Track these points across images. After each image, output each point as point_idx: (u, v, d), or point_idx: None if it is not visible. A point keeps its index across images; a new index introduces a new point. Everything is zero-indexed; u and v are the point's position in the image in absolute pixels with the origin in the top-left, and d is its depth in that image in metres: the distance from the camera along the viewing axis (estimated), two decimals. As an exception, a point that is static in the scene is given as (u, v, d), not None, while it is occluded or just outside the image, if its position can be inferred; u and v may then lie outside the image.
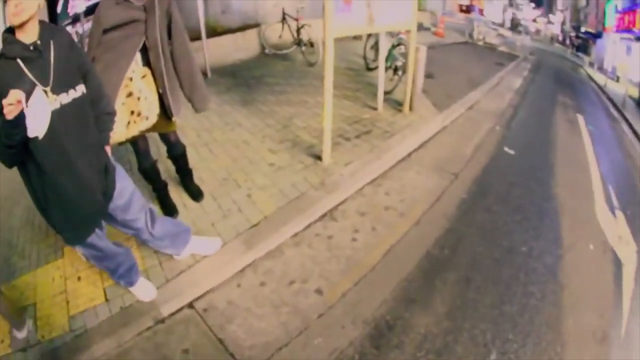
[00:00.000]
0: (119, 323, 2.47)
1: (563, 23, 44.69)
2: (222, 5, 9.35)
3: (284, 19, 8.41)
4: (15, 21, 1.80)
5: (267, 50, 8.53)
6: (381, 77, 5.24)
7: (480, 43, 17.36)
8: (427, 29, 16.07)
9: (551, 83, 13.18)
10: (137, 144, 3.04)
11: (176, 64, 2.88)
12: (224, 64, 7.93)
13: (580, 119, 8.68)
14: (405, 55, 5.50)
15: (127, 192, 2.27)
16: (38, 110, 1.81)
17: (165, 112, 2.86)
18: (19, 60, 1.82)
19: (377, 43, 5.96)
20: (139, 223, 2.40)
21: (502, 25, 34.63)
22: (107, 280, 2.67)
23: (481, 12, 29.81)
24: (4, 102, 1.59)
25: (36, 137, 1.81)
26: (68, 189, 1.97)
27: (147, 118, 2.75)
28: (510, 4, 51.68)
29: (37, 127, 1.81)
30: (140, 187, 2.86)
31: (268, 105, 5.36)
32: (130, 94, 2.72)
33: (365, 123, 4.97)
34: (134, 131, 2.75)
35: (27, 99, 1.74)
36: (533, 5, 53.92)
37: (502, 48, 17.29)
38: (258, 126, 4.73)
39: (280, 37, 8.59)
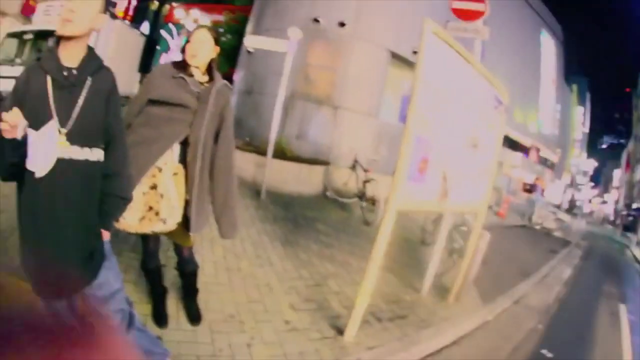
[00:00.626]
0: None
1: (617, 201, 45.10)
2: (300, 130, 9.79)
3: (354, 166, 8.41)
4: (61, 29, 1.67)
5: (328, 193, 8.48)
6: (435, 257, 4.83)
7: (538, 227, 17.20)
8: (489, 207, 15.92)
9: (599, 272, 12.70)
10: (147, 241, 2.75)
11: (214, 174, 2.61)
12: (281, 190, 7.92)
13: (623, 308, 8.12)
14: (465, 236, 5.16)
15: (108, 289, 1.94)
16: (45, 147, 1.63)
17: (186, 223, 2.52)
18: (48, 78, 1.66)
19: (440, 217, 5.69)
20: None
21: (559, 206, 34.88)
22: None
23: (543, 192, 30.14)
24: (4, 116, 1.43)
25: (33, 172, 1.63)
26: (40, 243, 1.71)
27: (164, 222, 2.44)
28: (571, 185, 52.53)
29: (37, 163, 1.63)
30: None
31: (309, 254, 5.05)
32: (154, 187, 2.45)
33: (404, 306, 4.48)
34: (146, 229, 2.46)
35: (40, 126, 1.60)
36: (592, 184, 54.56)
37: (557, 233, 17.10)
38: (289, 273, 4.37)
39: (345, 184, 8.50)
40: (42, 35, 9.80)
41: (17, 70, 9.09)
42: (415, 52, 5.85)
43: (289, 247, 5.06)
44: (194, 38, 2.52)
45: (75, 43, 1.70)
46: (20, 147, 1.56)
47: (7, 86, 8.62)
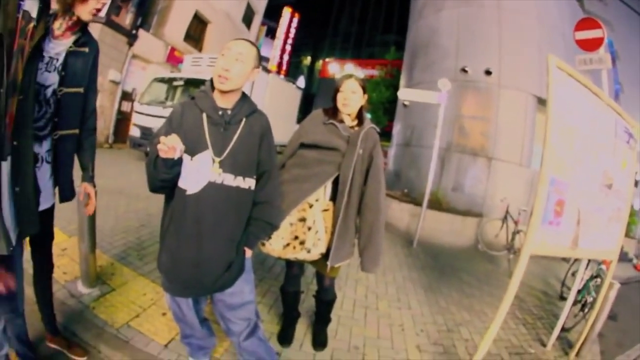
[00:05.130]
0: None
1: None
2: (456, 182, 9.82)
3: (505, 217, 8.13)
4: (219, 85, 1.87)
5: (479, 246, 8.26)
6: (566, 310, 4.38)
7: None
8: (630, 260, 13.37)
9: None
10: (291, 265, 2.94)
11: (362, 211, 2.66)
12: (432, 240, 8.01)
13: None
14: (598, 289, 4.74)
15: (240, 299, 2.14)
16: (199, 171, 1.85)
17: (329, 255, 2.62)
18: (204, 115, 1.90)
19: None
20: (235, 327, 2.21)
21: None
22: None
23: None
24: (162, 139, 1.62)
25: (184, 189, 1.87)
26: (181, 249, 1.92)
27: (308, 251, 2.59)
28: None
29: (190, 182, 1.86)
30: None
31: (448, 301, 5.08)
32: (302, 219, 2.60)
33: (525, 358, 4.24)
34: (289, 255, 2.62)
35: (195, 153, 1.83)
36: None
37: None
38: (425, 318, 4.47)
39: (496, 236, 8.23)
40: (191, 82, 11.07)
41: (168, 112, 10.46)
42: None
43: (431, 293, 5.16)
44: (345, 87, 2.64)
45: (230, 93, 1.92)
46: (174, 166, 1.76)
47: (158, 124, 9.90)
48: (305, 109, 16.60)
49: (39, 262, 2.44)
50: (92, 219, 3.25)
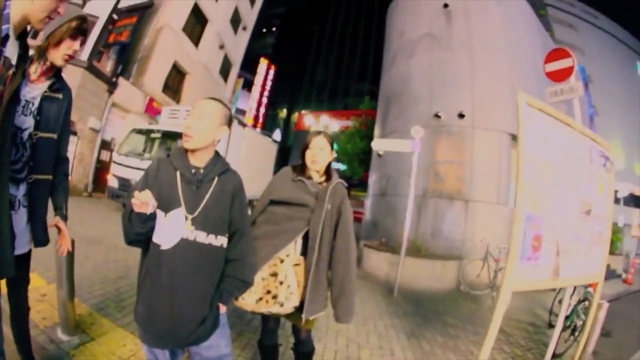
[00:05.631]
0: None
1: None
2: (433, 227, 9.90)
3: (485, 257, 8.25)
4: (184, 144, 1.94)
5: (462, 287, 8.32)
6: (555, 337, 4.31)
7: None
8: (618, 276, 13.71)
9: None
10: (267, 320, 2.91)
11: (333, 265, 2.69)
12: (413, 287, 8.02)
13: None
14: (587, 311, 4.78)
15: (216, 353, 2.11)
16: (172, 227, 1.88)
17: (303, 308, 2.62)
18: (178, 173, 1.94)
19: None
20: None
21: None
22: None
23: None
24: (136, 194, 1.67)
25: (159, 243, 1.90)
26: (155, 301, 1.91)
27: (281, 305, 2.59)
28: None
29: (163, 238, 1.89)
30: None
31: (432, 345, 5.05)
32: (274, 274, 2.61)
33: None
34: (263, 309, 2.62)
35: (168, 209, 1.87)
36: None
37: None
38: None
39: (478, 276, 8.33)
40: (169, 135, 11.14)
41: (146, 164, 10.50)
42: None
43: (414, 339, 5.12)
44: (313, 144, 2.70)
45: (200, 152, 1.96)
46: (147, 221, 1.79)
47: (135, 175, 10.07)
48: (281, 162, 16.69)
49: (15, 304, 2.41)
50: (70, 266, 3.24)
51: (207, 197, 1.94)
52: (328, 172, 2.80)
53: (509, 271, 3.20)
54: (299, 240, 2.67)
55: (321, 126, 20.81)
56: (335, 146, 2.86)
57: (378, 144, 9.54)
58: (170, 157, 2.00)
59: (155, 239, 1.90)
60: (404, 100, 11.62)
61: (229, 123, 2.06)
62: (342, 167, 21.71)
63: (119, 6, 14.32)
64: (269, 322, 2.93)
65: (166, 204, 1.88)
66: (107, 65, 14.87)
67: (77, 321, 3.50)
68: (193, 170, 1.95)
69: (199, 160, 1.98)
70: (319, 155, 2.69)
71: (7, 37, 1.53)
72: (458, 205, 9.95)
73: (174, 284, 1.89)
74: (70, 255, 3.19)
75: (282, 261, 2.62)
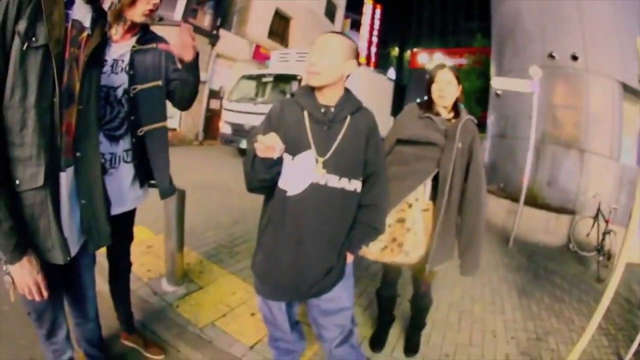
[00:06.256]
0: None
1: None
2: (551, 175, 9.25)
3: (597, 215, 7.51)
4: (309, 81, 1.77)
5: (571, 245, 7.75)
6: None
7: None
8: None
9: None
10: (388, 269, 2.82)
11: (463, 211, 2.49)
12: (527, 239, 7.70)
13: None
14: None
15: (337, 305, 1.98)
16: (301, 171, 1.73)
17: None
18: (305, 113, 1.78)
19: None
20: (328, 334, 2.03)
21: None
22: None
23: None
24: (260, 137, 1.53)
25: (285, 189, 1.76)
26: (278, 251, 1.81)
27: (406, 254, 2.47)
28: None
29: (291, 183, 1.74)
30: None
31: (540, 307, 4.86)
32: (401, 220, 2.48)
33: None
34: (387, 258, 2.52)
35: (296, 152, 1.72)
36: None
37: None
38: (517, 324, 4.30)
39: (587, 235, 7.65)
40: (281, 78, 11.12)
41: (260, 108, 10.55)
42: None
43: (524, 297, 4.98)
44: (439, 78, 2.51)
45: (329, 89, 1.78)
46: (273, 166, 1.64)
47: (249, 120, 10.44)
48: (397, 101, 16.05)
49: (115, 261, 2.41)
50: (180, 216, 3.18)
51: (339, 137, 1.77)
52: (456, 108, 2.57)
53: (628, 241, 2.88)
54: (429, 183, 2.49)
55: (435, 63, 19.75)
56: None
57: (498, 83, 8.85)
58: (296, 96, 1.85)
59: (282, 184, 1.76)
60: (517, 38, 10.69)
61: (357, 57, 1.85)
62: (460, 106, 21.01)
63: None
64: (390, 272, 2.85)
65: (293, 147, 1.72)
66: (205, 20, 15.09)
67: (185, 270, 3.48)
68: (323, 110, 1.78)
69: (328, 99, 1.80)
70: (446, 89, 2.48)
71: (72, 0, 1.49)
72: (574, 155, 9.13)
73: (301, 232, 1.76)
74: (180, 205, 3.15)
75: (410, 206, 2.47)
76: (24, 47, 1.31)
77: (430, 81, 2.55)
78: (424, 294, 2.84)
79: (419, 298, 2.88)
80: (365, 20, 40.72)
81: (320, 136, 1.76)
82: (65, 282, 1.78)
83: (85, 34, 1.53)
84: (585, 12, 9.39)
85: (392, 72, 43.83)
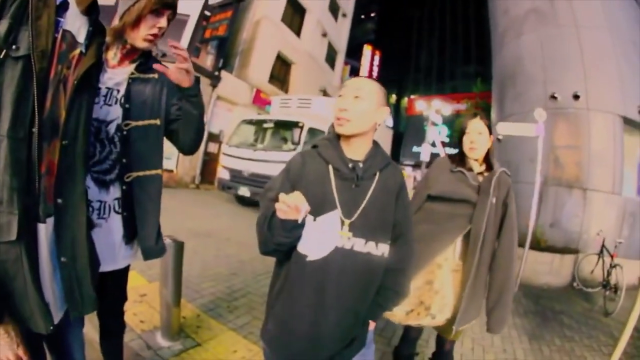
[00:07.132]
0: None
1: None
2: (553, 217, 9.22)
3: (601, 251, 7.48)
4: (339, 128, 1.59)
5: (575, 284, 7.71)
6: None
7: None
8: None
9: None
10: (410, 328, 2.67)
11: (493, 269, 2.36)
12: (531, 282, 7.65)
13: None
14: None
15: None
16: (324, 234, 1.55)
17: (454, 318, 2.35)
18: (330, 168, 1.60)
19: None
20: None
21: None
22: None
23: None
24: (283, 197, 1.34)
25: (305, 254, 1.56)
26: (295, 320, 1.60)
27: (432, 317, 2.34)
28: None
29: (312, 247, 1.56)
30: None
31: (551, 348, 4.77)
32: (429, 282, 2.35)
33: None
34: (412, 322, 2.39)
35: (319, 212, 1.53)
36: None
37: None
38: None
39: (592, 272, 7.62)
40: (282, 124, 10.93)
41: (259, 155, 10.66)
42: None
43: (535, 341, 4.88)
44: (471, 129, 2.42)
45: (358, 140, 1.61)
46: (295, 229, 1.46)
47: (248, 167, 10.47)
48: (394, 148, 16.09)
49: (106, 323, 2.07)
50: (178, 262, 2.99)
51: (367, 196, 1.58)
52: (487, 160, 2.46)
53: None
54: (459, 241, 2.37)
55: (433, 110, 19.96)
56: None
57: (502, 128, 8.87)
58: (319, 148, 1.65)
59: (301, 248, 1.56)
60: (518, 81, 10.91)
61: (388, 104, 1.70)
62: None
63: (209, 3, 14.60)
64: (413, 331, 2.71)
65: (316, 207, 1.51)
66: (207, 60, 15.34)
67: (181, 324, 3.29)
68: (351, 165, 1.58)
69: (356, 152, 1.62)
70: (478, 140, 2.38)
71: (65, 4, 1.24)
72: (576, 194, 9.17)
73: (323, 300, 1.56)
74: (178, 257, 2.98)
75: (439, 267, 2.35)
76: (1, 55, 1.07)
77: (462, 132, 2.47)
78: (447, 353, 2.69)
79: (440, 357, 2.73)
80: (364, 66, 42.11)
81: (347, 195, 1.57)
82: (48, 346, 1.53)
83: (77, 50, 1.29)
84: (585, 48, 9.66)
85: (389, 120, 44.81)
